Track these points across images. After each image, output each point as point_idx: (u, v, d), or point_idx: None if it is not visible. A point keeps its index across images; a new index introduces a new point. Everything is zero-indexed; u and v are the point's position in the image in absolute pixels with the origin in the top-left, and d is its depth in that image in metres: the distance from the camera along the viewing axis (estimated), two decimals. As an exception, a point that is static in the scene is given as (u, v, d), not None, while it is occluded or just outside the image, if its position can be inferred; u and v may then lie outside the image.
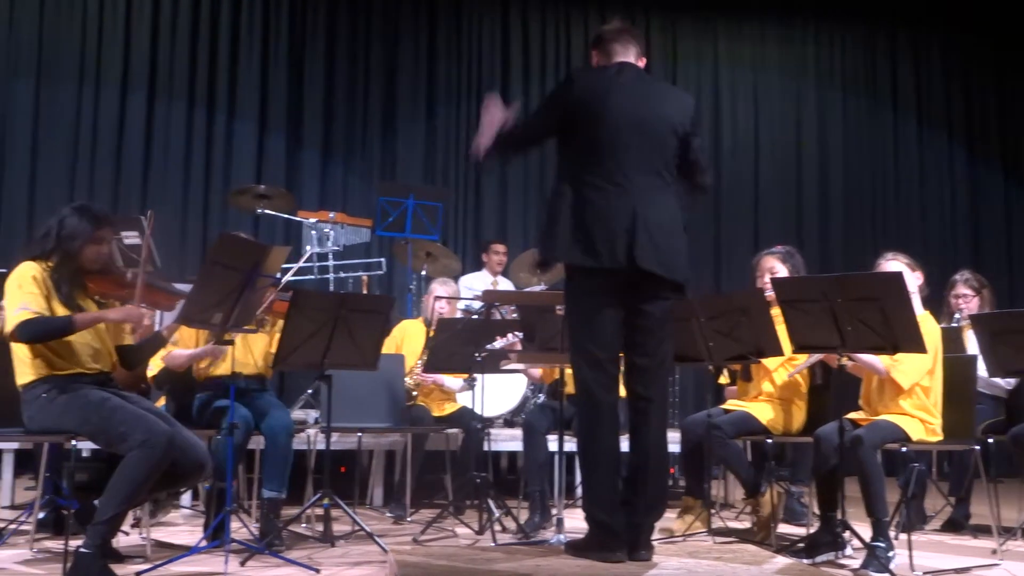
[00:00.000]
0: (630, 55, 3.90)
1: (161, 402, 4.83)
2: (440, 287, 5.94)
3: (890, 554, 3.94)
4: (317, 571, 3.90)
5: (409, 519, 5.34)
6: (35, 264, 3.78)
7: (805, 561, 3.99)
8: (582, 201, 3.70)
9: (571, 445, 4.82)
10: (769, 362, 4.68)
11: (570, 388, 4.37)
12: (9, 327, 3.69)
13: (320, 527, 4.66)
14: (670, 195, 3.78)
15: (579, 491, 5.70)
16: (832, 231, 9.57)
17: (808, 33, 9.86)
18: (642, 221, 3.65)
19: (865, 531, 4.02)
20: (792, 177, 9.63)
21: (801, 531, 4.72)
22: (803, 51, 9.83)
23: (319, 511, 4.66)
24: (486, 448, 5.42)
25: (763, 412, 4.69)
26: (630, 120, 3.73)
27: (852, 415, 4.35)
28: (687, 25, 9.73)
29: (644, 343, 3.76)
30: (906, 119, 9.84)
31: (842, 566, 3.99)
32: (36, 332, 3.68)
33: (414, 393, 5.58)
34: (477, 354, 4.93)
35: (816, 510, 4.39)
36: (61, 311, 3.74)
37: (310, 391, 6.66)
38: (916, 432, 4.19)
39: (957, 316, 5.53)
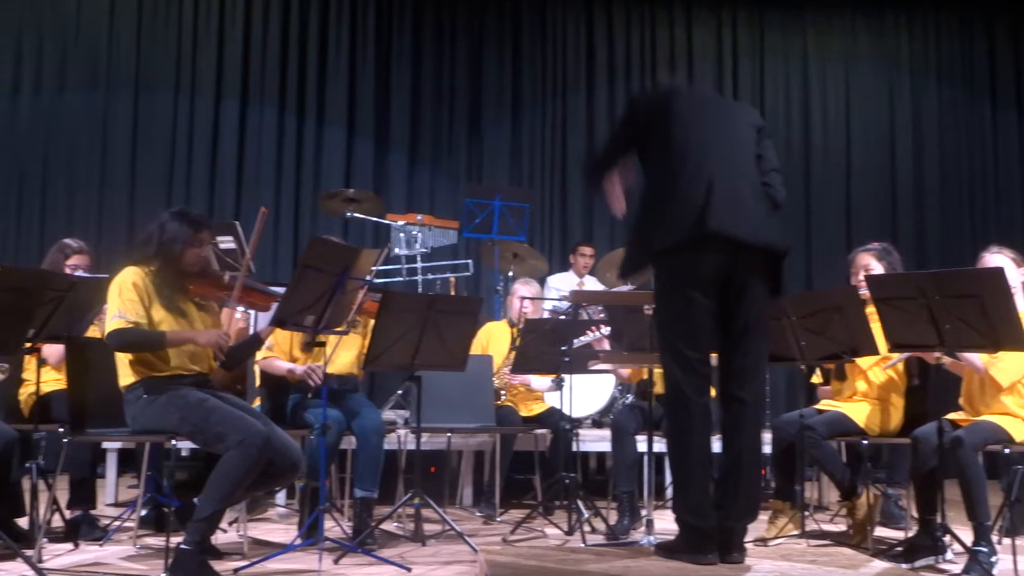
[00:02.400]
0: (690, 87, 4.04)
1: (257, 402, 4.93)
2: (523, 287, 5.94)
3: (993, 559, 3.81)
4: (409, 569, 3.94)
5: (498, 519, 5.36)
6: (137, 269, 3.89)
7: (904, 566, 3.89)
8: (657, 196, 3.70)
9: (660, 446, 4.79)
10: (863, 361, 4.57)
11: (659, 388, 4.34)
12: (107, 331, 3.81)
13: (411, 526, 4.71)
14: (752, 172, 3.75)
15: (669, 492, 5.66)
16: (928, 227, 9.30)
17: (901, 24, 9.61)
18: (719, 188, 3.60)
19: (966, 536, 3.90)
20: (886, 172, 9.40)
21: (899, 535, 4.60)
22: (896, 43, 9.58)
23: (410, 510, 4.71)
24: (574, 449, 5.40)
25: (859, 412, 4.58)
26: (706, 121, 3.75)
27: (952, 415, 4.22)
28: (775, 19, 9.57)
29: (739, 342, 3.69)
30: (1005, 110, 9.50)
31: (942, 571, 3.87)
32: (128, 343, 3.80)
33: (502, 394, 5.59)
34: (565, 354, 4.93)
35: (915, 513, 4.27)
36: (160, 315, 3.85)
37: (400, 392, 6.73)
38: (1020, 433, 4.05)
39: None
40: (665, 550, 3.72)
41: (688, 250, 3.61)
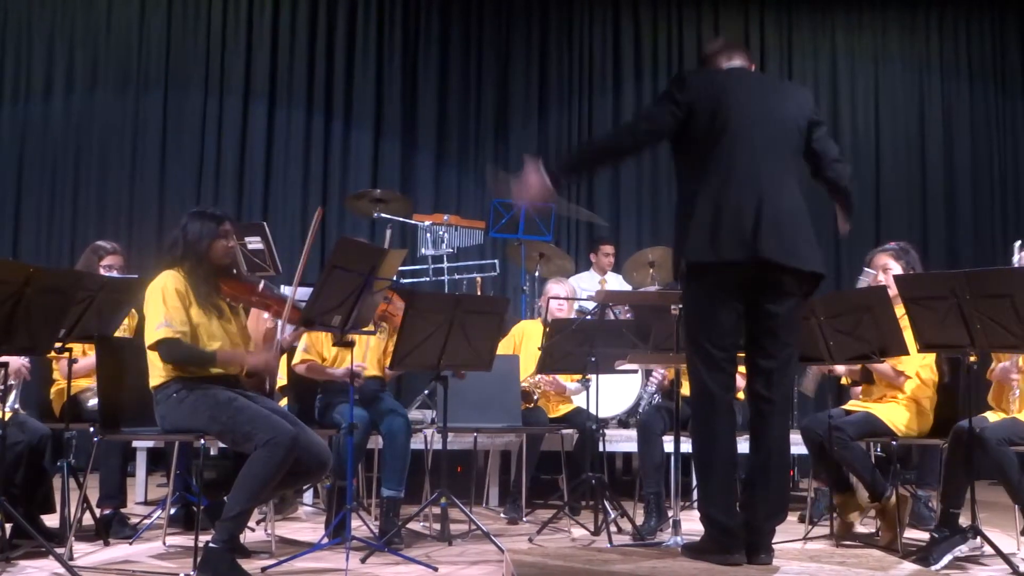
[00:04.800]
0: (737, 63, 3.79)
1: (284, 402, 4.95)
2: (556, 286, 5.92)
3: None
4: (435, 569, 3.95)
5: (525, 519, 5.36)
6: (175, 273, 3.93)
7: (933, 568, 3.85)
8: (705, 199, 3.56)
9: (687, 446, 4.76)
10: (894, 362, 4.53)
11: (685, 389, 4.31)
12: (151, 339, 3.84)
13: (437, 526, 4.72)
14: (796, 187, 3.65)
15: (696, 493, 5.64)
16: (959, 226, 9.21)
17: (932, 22, 9.52)
18: (768, 211, 3.51)
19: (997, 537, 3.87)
20: (916, 172, 9.32)
21: (925, 535, 4.56)
22: (926, 41, 9.49)
23: (436, 510, 4.71)
24: (601, 449, 5.39)
25: (889, 413, 4.55)
26: (750, 113, 3.61)
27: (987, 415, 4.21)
28: (803, 17, 9.51)
29: (768, 344, 3.64)
30: (1038, 108, 9.42)
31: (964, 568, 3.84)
32: (178, 357, 3.84)
33: (535, 396, 5.56)
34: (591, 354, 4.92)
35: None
36: (198, 317, 3.90)
37: (426, 392, 6.75)
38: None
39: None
40: (692, 551, 3.69)
41: (729, 265, 3.53)
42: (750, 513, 3.60)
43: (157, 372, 3.88)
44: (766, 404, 3.65)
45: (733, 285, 3.57)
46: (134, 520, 4.80)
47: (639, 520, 4.90)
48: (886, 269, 4.65)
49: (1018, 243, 4.55)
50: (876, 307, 4.28)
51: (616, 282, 7.53)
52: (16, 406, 4.34)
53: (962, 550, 3.94)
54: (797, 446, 4.82)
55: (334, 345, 4.49)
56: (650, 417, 5.15)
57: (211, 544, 3.62)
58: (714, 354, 3.60)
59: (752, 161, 3.57)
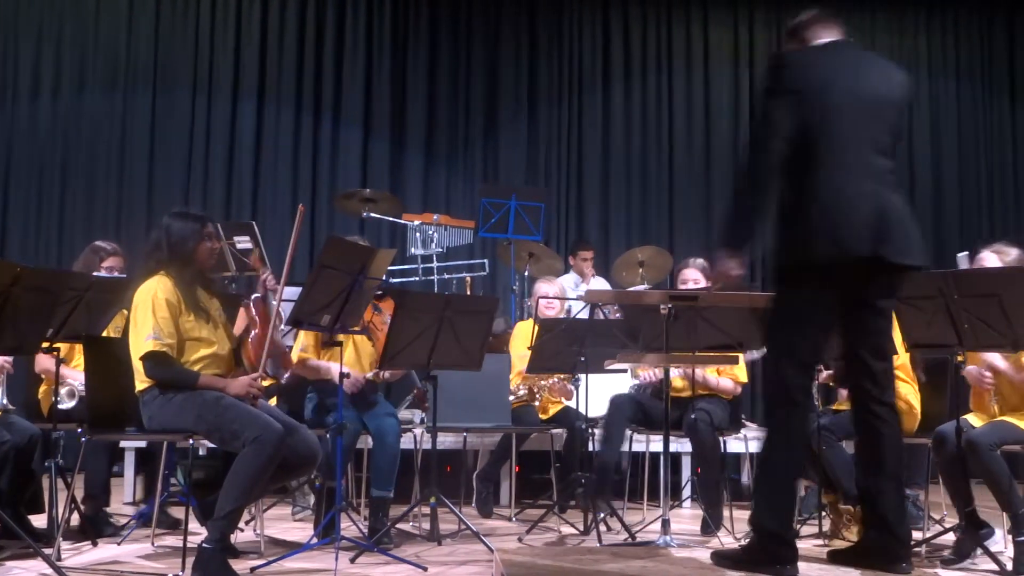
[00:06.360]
0: (832, 35, 3.56)
1: (273, 401, 4.94)
2: (545, 285, 5.93)
3: None
4: (424, 569, 3.95)
5: (514, 519, 5.36)
6: (165, 282, 3.91)
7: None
8: (818, 191, 3.33)
9: (676, 445, 4.80)
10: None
11: (676, 389, 4.30)
12: (139, 350, 3.83)
13: (427, 526, 4.72)
14: (895, 175, 3.48)
15: (685, 492, 5.66)
16: (946, 225, 9.24)
17: (920, 21, 9.56)
18: (883, 205, 3.34)
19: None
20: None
21: (917, 535, 4.57)
22: (915, 40, 9.52)
23: (426, 510, 4.71)
24: (590, 448, 5.39)
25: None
26: (859, 97, 3.40)
27: (970, 416, 4.22)
28: (793, 17, 9.44)
29: (882, 344, 3.48)
30: (1025, 108, 9.47)
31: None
32: (162, 376, 3.83)
33: (537, 395, 5.55)
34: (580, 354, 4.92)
35: (934, 514, 4.25)
36: (189, 324, 3.90)
37: (416, 391, 6.73)
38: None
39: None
40: (738, 562, 3.45)
41: (843, 265, 3.34)
42: (879, 521, 3.44)
43: (142, 378, 3.87)
44: (881, 406, 3.48)
45: (843, 284, 3.38)
46: (123, 520, 4.78)
47: (626, 518, 4.90)
48: None
49: (962, 255, 4.54)
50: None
51: (598, 287, 7.51)
52: (4, 401, 4.33)
53: (995, 541, 3.92)
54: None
55: (323, 345, 4.50)
56: (623, 398, 5.14)
57: (204, 544, 3.61)
58: (806, 360, 3.45)
59: (861, 149, 3.37)
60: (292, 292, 4.15)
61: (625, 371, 5.98)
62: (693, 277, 5.16)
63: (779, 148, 3.35)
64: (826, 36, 3.54)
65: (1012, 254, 4.20)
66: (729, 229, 3.45)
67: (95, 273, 4.77)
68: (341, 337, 4.24)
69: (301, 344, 4.81)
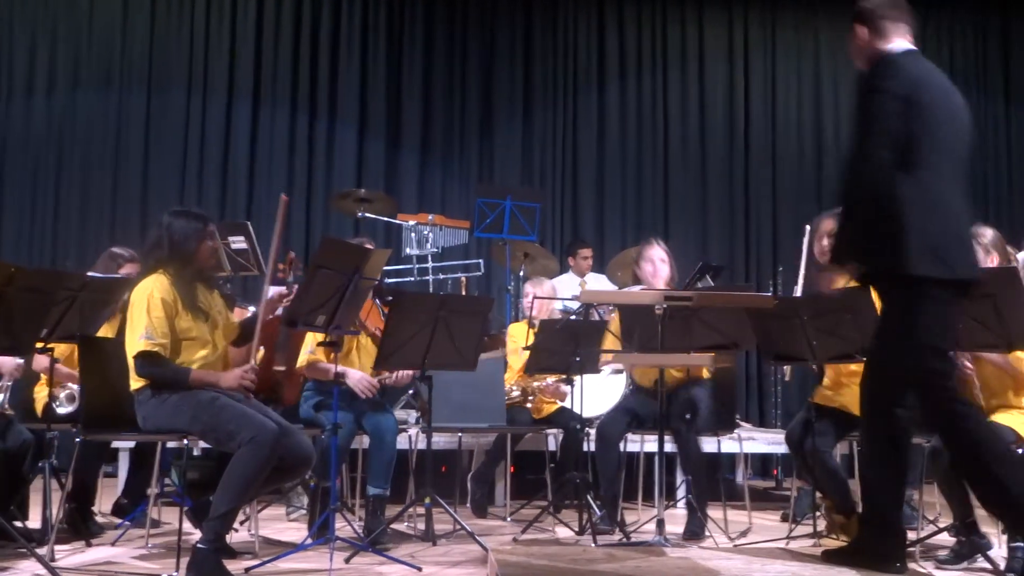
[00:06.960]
0: (903, 33, 3.64)
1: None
2: (533, 287, 5.94)
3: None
4: (419, 569, 3.95)
5: (509, 519, 5.36)
6: (162, 280, 3.89)
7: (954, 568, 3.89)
8: (927, 203, 3.40)
9: (671, 446, 4.78)
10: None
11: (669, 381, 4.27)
12: (132, 349, 3.82)
13: (422, 526, 4.72)
14: None
15: (680, 492, 5.65)
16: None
17: (915, 23, 9.54)
18: (973, 227, 3.62)
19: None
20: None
21: (910, 535, 4.57)
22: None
23: (421, 510, 4.71)
24: (585, 448, 5.39)
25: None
26: (951, 112, 3.51)
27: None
28: (787, 16, 9.54)
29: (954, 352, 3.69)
30: (1019, 109, 9.47)
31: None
32: (154, 375, 3.82)
33: (530, 397, 5.55)
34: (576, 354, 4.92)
35: (928, 515, 4.25)
36: (186, 323, 3.88)
37: (411, 392, 6.74)
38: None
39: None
40: (846, 556, 3.59)
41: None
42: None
43: (137, 377, 3.86)
44: (968, 407, 3.62)
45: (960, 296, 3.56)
46: (115, 521, 4.78)
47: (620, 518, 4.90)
48: (831, 235, 4.31)
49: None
50: (858, 308, 4.24)
51: (597, 283, 7.54)
52: (6, 406, 4.32)
53: (992, 553, 3.93)
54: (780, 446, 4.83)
55: (319, 345, 4.49)
56: (610, 421, 5.07)
57: (199, 545, 3.61)
58: (949, 361, 3.60)
59: (957, 170, 3.53)
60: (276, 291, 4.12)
61: (621, 371, 5.98)
62: (660, 256, 5.14)
63: (890, 158, 3.38)
64: (895, 34, 3.63)
65: (988, 235, 4.22)
66: (842, 238, 3.58)
67: (79, 273, 4.74)
68: (351, 341, 4.22)
69: (309, 347, 4.79)
